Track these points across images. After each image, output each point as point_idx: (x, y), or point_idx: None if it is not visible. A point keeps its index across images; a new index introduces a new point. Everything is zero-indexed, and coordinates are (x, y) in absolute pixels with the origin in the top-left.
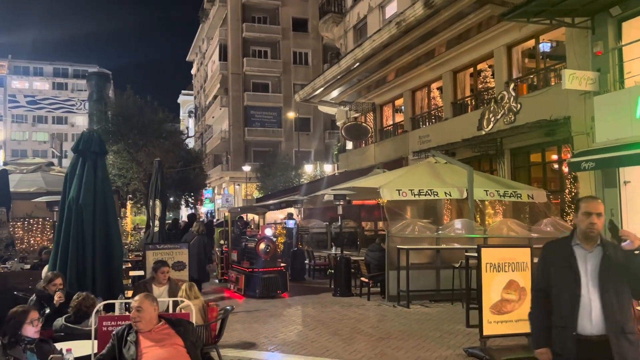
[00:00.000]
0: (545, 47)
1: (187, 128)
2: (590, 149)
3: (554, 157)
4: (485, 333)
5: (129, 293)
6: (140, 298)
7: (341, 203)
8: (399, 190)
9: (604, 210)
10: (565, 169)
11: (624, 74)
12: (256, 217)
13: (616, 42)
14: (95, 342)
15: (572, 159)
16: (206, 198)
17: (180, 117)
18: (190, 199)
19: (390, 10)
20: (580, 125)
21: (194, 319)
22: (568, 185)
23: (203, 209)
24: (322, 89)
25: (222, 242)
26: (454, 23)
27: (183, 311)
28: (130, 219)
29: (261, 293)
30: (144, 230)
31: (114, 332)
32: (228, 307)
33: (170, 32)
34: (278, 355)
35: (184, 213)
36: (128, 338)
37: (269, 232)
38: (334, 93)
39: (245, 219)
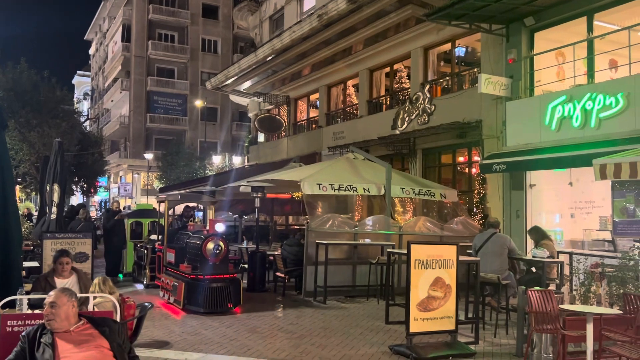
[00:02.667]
0: (460, 51)
1: (81, 112)
2: (501, 152)
3: (463, 158)
4: (412, 330)
5: (27, 287)
6: (55, 292)
7: (258, 195)
8: (319, 184)
9: (510, 211)
10: (475, 170)
11: (534, 82)
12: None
13: (528, 51)
14: None
15: (484, 161)
16: (101, 186)
17: (75, 99)
18: (85, 186)
19: (309, 3)
20: (491, 129)
21: (118, 317)
22: (477, 186)
23: (97, 198)
24: (235, 77)
25: (152, 237)
26: (375, 21)
27: (99, 307)
28: (18, 205)
29: (208, 307)
30: (35, 217)
31: (23, 334)
32: (146, 304)
33: (66, 6)
34: (195, 356)
35: (77, 201)
36: (42, 340)
37: (220, 228)
38: (248, 83)
39: (189, 211)
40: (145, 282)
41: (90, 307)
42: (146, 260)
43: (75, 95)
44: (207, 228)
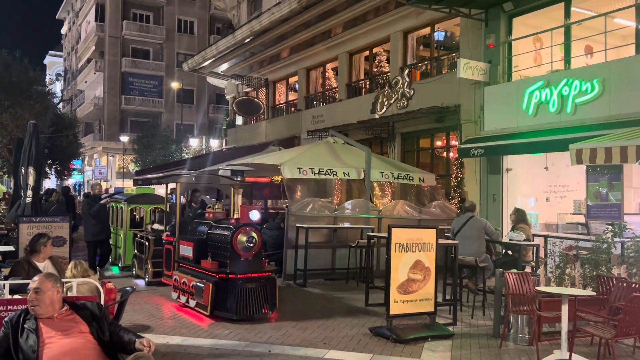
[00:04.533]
0: (439, 35)
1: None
2: (479, 137)
3: (441, 143)
4: (392, 312)
5: (5, 272)
6: (40, 278)
7: (238, 179)
8: (299, 168)
9: (487, 195)
10: (452, 155)
11: (512, 67)
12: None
13: (507, 36)
14: None
15: (461, 145)
16: (75, 169)
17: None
18: (59, 168)
19: None
20: (470, 114)
21: (102, 300)
22: (454, 170)
23: (70, 180)
24: (213, 59)
25: (156, 226)
26: (354, 3)
27: (79, 291)
28: None
29: (241, 313)
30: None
31: (6, 319)
32: (128, 288)
33: None
34: (177, 339)
35: (51, 184)
36: (25, 325)
37: (255, 216)
38: (226, 65)
39: (198, 196)
40: (147, 279)
41: (74, 292)
42: (148, 253)
43: (47, 76)
44: (235, 216)
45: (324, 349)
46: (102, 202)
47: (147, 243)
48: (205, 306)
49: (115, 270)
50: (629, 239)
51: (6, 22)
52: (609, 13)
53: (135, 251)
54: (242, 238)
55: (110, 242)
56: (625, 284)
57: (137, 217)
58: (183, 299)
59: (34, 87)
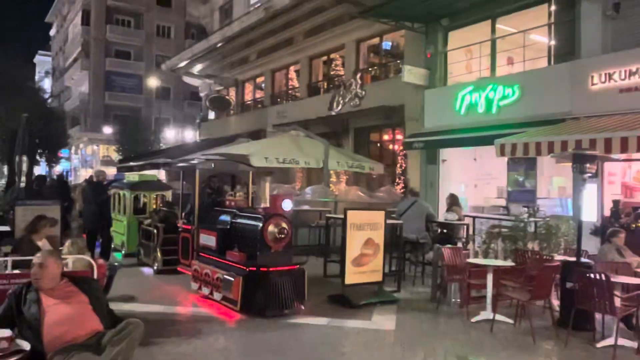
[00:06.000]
0: (387, 45)
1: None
2: (420, 132)
3: (388, 137)
4: (347, 282)
5: (6, 249)
6: (43, 254)
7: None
8: (266, 157)
9: (426, 182)
10: (398, 147)
11: (448, 74)
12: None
13: (443, 47)
14: None
15: (406, 139)
16: (62, 157)
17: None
18: (48, 157)
19: None
20: (412, 112)
21: (95, 275)
22: (399, 160)
23: (59, 168)
24: (188, 61)
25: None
26: (314, 15)
27: (75, 266)
28: None
29: (273, 307)
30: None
31: (10, 292)
32: (116, 264)
33: None
34: (158, 307)
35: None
36: (27, 297)
37: (288, 205)
38: (200, 66)
39: (215, 182)
40: (156, 267)
41: (69, 267)
42: (157, 240)
43: (37, 73)
44: (264, 205)
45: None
46: (107, 190)
47: (155, 231)
48: (234, 301)
49: (118, 257)
50: (541, 219)
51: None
52: (526, 30)
53: (142, 239)
54: (273, 229)
55: (112, 230)
56: (537, 256)
57: (140, 203)
58: (206, 290)
59: (26, 83)
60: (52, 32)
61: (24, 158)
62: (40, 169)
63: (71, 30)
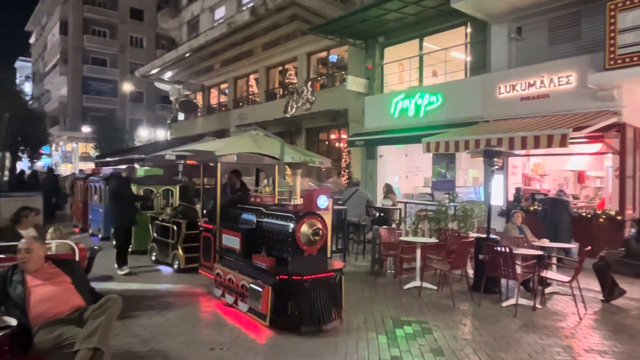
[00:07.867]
0: (333, 58)
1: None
2: (361, 132)
3: (335, 136)
4: None
5: None
6: (29, 240)
7: (182, 162)
8: (230, 154)
9: (366, 174)
10: (343, 145)
11: (384, 83)
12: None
13: (380, 60)
14: None
15: (349, 138)
16: (43, 154)
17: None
18: (30, 153)
19: (219, 13)
20: (355, 115)
21: (77, 257)
22: (344, 156)
23: (40, 163)
24: (159, 68)
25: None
26: (271, 30)
27: (60, 250)
28: None
29: (309, 323)
30: None
31: None
32: (95, 247)
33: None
34: (134, 285)
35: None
36: (13, 278)
37: (323, 202)
38: (170, 73)
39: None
40: (178, 266)
41: (53, 251)
42: (178, 239)
43: (18, 78)
44: (295, 202)
45: None
46: (128, 186)
47: (175, 227)
48: (263, 315)
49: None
50: (459, 204)
51: None
52: (447, 48)
53: (155, 235)
54: (307, 230)
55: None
56: (456, 234)
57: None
58: (230, 299)
59: (8, 85)
60: (31, 40)
61: (7, 154)
62: (22, 164)
63: (50, 39)
